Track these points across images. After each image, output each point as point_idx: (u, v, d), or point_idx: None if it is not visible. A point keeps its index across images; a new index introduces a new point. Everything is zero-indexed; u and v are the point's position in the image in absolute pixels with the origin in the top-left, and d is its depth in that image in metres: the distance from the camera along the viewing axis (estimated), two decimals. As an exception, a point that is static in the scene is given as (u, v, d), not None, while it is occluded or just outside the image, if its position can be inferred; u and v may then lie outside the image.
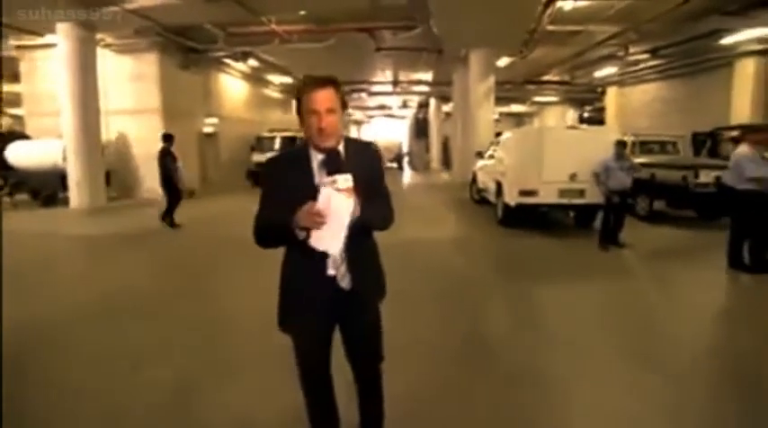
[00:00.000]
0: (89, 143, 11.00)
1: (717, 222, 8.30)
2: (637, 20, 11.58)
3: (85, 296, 4.88)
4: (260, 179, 1.67)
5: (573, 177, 7.37)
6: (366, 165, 1.72)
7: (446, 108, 25.94)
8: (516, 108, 29.36)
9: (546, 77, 19.69)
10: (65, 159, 11.13)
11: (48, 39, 12.07)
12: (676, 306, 4.70)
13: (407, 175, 24.13)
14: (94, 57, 11.16)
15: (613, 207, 6.80)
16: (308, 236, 1.54)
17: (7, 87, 17.37)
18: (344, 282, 1.75)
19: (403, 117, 38.44)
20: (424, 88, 23.75)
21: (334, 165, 1.59)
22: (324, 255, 1.66)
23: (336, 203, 1.49)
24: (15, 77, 14.52)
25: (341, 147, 1.69)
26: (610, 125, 17.40)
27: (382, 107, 34.39)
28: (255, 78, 19.10)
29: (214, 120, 16.33)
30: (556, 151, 7.36)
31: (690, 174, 8.02)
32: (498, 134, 13.35)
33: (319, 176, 1.63)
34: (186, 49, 13.85)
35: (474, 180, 11.51)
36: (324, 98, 1.61)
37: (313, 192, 1.55)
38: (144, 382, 3.04)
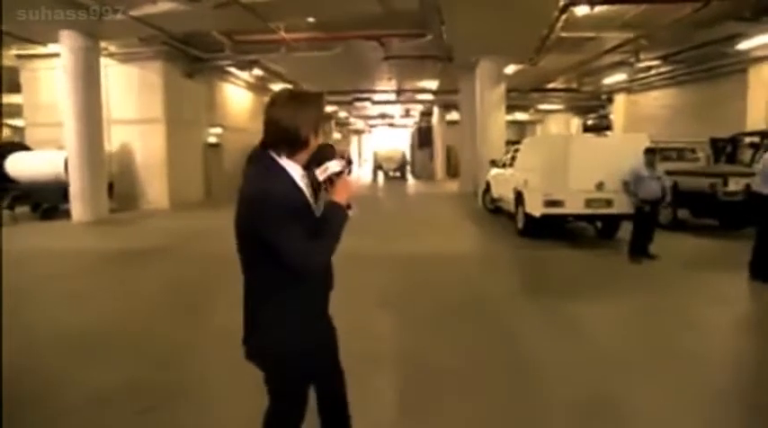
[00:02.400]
0: (92, 154, 10.71)
1: (741, 232, 8.04)
2: (649, 26, 11.44)
3: (81, 322, 4.53)
4: (269, 214, 1.47)
5: (600, 186, 7.12)
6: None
7: (450, 116, 25.84)
8: (519, 116, 29.24)
9: (552, 85, 19.53)
10: (67, 171, 10.82)
11: (50, 48, 11.84)
12: (726, 320, 4.43)
13: (412, 185, 23.95)
14: (98, 67, 10.91)
15: (644, 217, 6.53)
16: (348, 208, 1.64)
17: (7, 98, 17.12)
18: None
19: (405, 126, 38.37)
20: (428, 97, 23.60)
21: (331, 154, 1.65)
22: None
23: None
24: (16, 88, 14.26)
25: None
26: (618, 131, 17.26)
27: (383, 116, 34.31)
28: (259, 88, 18.92)
29: (218, 130, 16.09)
30: (582, 159, 7.11)
31: (718, 182, 7.77)
32: (511, 142, 13.26)
33: (309, 181, 1.64)
34: (191, 57, 13.66)
35: (488, 189, 11.30)
36: None
37: (312, 216, 1.59)
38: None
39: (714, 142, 10.45)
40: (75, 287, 5.74)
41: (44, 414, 2.82)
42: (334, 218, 1.59)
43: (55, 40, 10.56)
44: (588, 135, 7.64)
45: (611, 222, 7.80)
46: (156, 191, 13.19)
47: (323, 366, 1.77)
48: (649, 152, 6.51)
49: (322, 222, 1.58)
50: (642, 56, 14.08)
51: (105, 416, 2.80)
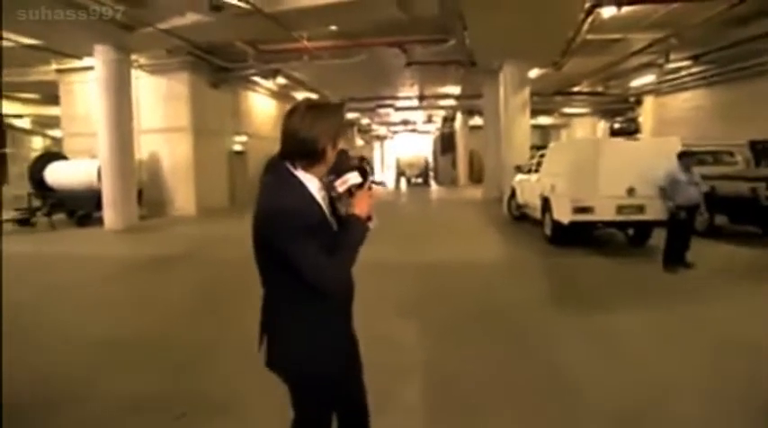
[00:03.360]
0: (123, 163, 10.95)
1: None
2: (679, 26, 10.97)
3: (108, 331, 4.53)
4: (284, 228, 1.45)
5: (631, 192, 6.83)
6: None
7: (473, 122, 25.61)
8: (544, 120, 28.65)
9: (577, 88, 19.09)
10: (100, 179, 11.08)
11: (85, 62, 12.22)
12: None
13: (435, 191, 23.75)
14: (129, 79, 11.18)
15: (680, 224, 6.17)
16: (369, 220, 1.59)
17: (47, 110, 17.87)
18: None
19: (427, 132, 38.19)
20: (451, 102, 23.45)
21: (347, 163, 1.61)
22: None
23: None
24: (55, 100, 14.84)
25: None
26: (647, 134, 16.68)
27: (406, 122, 34.24)
28: (282, 95, 19.11)
29: (243, 138, 16.29)
30: (612, 164, 6.85)
31: (761, 187, 7.32)
32: (536, 147, 13.02)
33: (326, 193, 1.61)
34: (216, 67, 13.90)
35: (513, 195, 11.10)
36: None
37: (329, 229, 1.56)
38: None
39: (754, 145, 9.88)
40: (104, 293, 5.82)
41: (70, 421, 2.80)
42: (354, 232, 1.54)
43: (90, 54, 10.85)
44: (618, 139, 7.36)
45: (644, 229, 7.51)
46: (182, 198, 13.41)
47: (342, 381, 1.70)
48: (685, 155, 6.16)
49: (340, 236, 1.54)
50: (672, 56, 13.54)
51: (134, 425, 2.76)
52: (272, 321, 1.59)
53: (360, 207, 1.56)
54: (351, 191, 1.56)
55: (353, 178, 1.56)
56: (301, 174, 1.53)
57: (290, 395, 1.64)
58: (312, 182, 1.55)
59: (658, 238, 6.88)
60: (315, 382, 1.59)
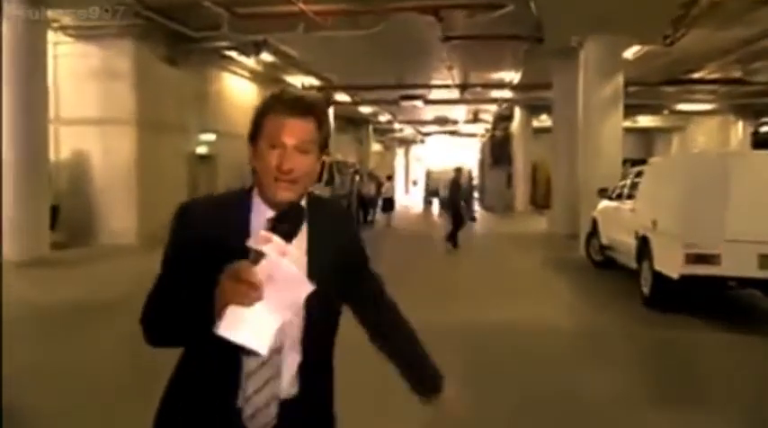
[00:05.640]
0: (29, 166, 10.89)
1: None
2: None
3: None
4: (170, 239, 1.58)
5: (784, 236, 6.63)
6: (339, 238, 1.69)
7: (537, 122, 25.54)
8: (644, 121, 28.33)
9: (699, 74, 18.87)
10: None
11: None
12: None
13: (480, 220, 23.62)
14: (44, 45, 11.25)
15: None
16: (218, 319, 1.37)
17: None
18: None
19: (473, 135, 38.42)
20: (507, 94, 23.69)
21: (288, 224, 1.46)
22: (237, 369, 1.52)
23: (287, 276, 1.39)
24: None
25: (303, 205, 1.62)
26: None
27: (444, 121, 34.45)
28: (268, 79, 19.39)
29: (210, 137, 16.52)
30: (751, 191, 6.73)
31: None
32: (632, 162, 12.67)
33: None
34: (175, 35, 14.09)
35: (594, 231, 11.12)
36: (297, 129, 1.51)
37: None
38: None
39: None
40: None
41: None
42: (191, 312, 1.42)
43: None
44: (763, 151, 7.15)
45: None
46: (120, 219, 13.42)
47: None
48: None
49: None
50: None
51: None
52: None
53: (225, 295, 1.30)
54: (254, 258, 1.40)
55: (270, 245, 1.36)
56: (256, 198, 1.58)
57: None
58: (261, 213, 1.55)
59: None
60: None
